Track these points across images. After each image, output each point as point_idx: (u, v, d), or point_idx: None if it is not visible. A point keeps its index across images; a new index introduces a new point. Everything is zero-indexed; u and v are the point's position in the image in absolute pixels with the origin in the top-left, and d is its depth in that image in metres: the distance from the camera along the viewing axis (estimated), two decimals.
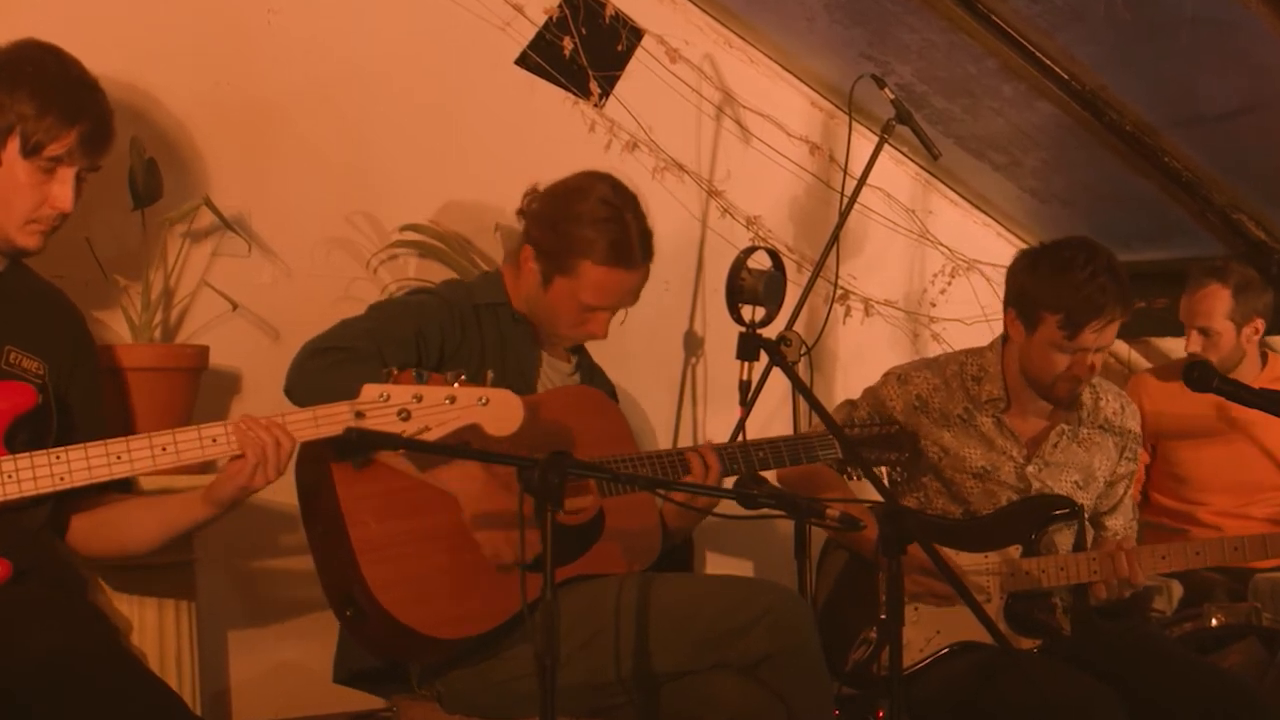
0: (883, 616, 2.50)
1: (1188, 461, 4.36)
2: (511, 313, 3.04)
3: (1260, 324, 4.27)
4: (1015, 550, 3.27)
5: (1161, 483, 4.43)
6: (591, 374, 3.23)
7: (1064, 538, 3.36)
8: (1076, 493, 3.40)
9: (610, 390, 3.25)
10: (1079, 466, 3.41)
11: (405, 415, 2.50)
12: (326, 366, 2.72)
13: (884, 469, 3.37)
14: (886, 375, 3.49)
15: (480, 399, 2.54)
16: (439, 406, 2.52)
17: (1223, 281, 4.23)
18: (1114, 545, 3.29)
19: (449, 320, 2.92)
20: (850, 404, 3.52)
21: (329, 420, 2.50)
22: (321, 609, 2.80)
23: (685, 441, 4.32)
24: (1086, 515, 3.39)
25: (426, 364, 2.83)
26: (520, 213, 3.09)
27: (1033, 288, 3.29)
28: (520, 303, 3.06)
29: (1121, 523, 3.50)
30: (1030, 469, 3.37)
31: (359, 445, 2.52)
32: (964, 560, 3.26)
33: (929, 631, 3.24)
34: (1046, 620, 3.29)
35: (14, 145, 2.48)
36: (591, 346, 3.31)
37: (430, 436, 2.52)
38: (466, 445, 2.55)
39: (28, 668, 2.26)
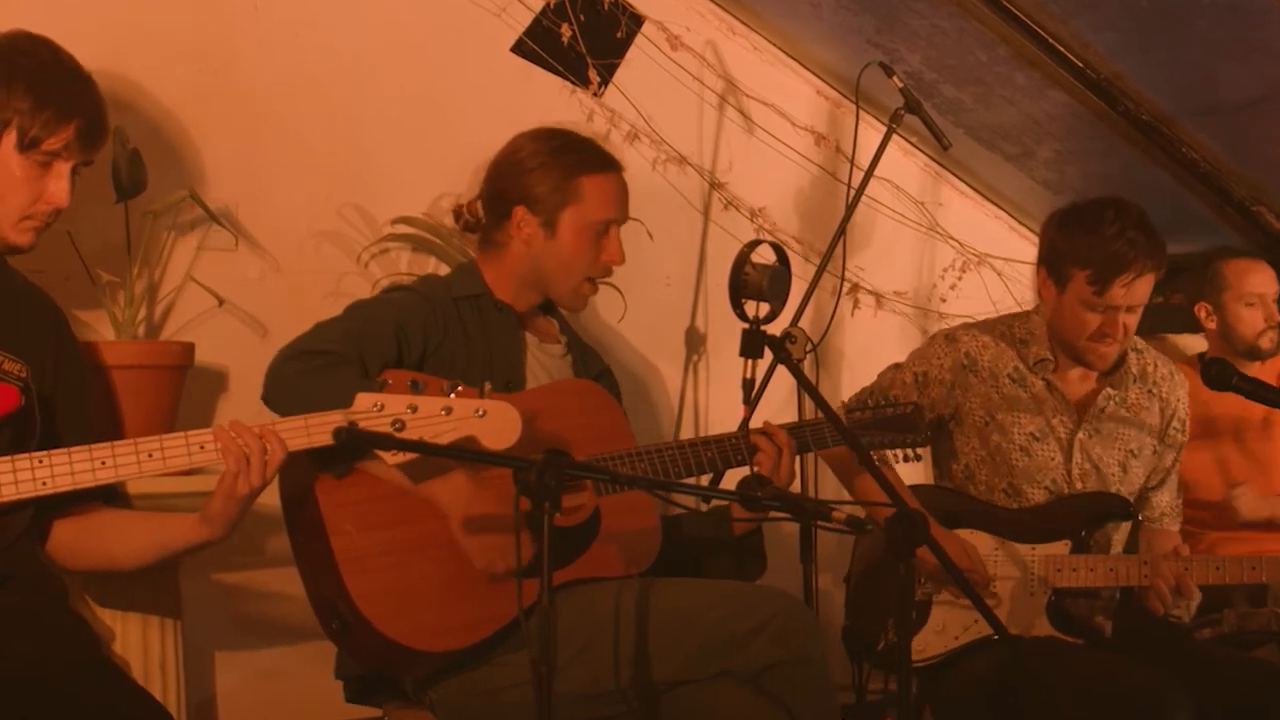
0: (891, 626, 2.50)
1: (1196, 463, 4.35)
2: (494, 302, 3.04)
3: None
4: (1064, 545, 3.28)
5: None
6: (583, 352, 3.22)
7: (1117, 538, 3.38)
8: (1130, 461, 3.40)
9: (604, 368, 3.24)
10: (1130, 434, 3.42)
11: (400, 426, 2.50)
12: (305, 371, 2.71)
13: (891, 454, 3.36)
14: (934, 336, 3.53)
15: (477, 410, 2.54)
16: (435, 417, 2.52)
17: (1258, 256, 4.33)
18: (1168, 551, 3.28)
19: (430, 316, 2.92)
20: (896, 367, 3.52)
21: (321, 429, 2.50)
22: (309, 617, 2.80)
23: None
24: (1135, 490, 3.40)
25: (408, 362, 2.84)
26: (463, 221, 3.17)
27: (1061, 244, 3.34)
28: (508, 288, 3.05)
29: (1167, 499, 3.51)
30: (1080, 435, 3.37)
31: (350, 445, 2.53)
32: (1009, 551, 3.25)
33: (967, 619, 3.25)
34: (1089, 620, 3.29)
35: (9, 140, 2.50)
36: (593, 344, 3.31)
37: None
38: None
39: (7, 677, 2.26)
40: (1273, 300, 4.32)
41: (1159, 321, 4.77)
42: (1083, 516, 3.32)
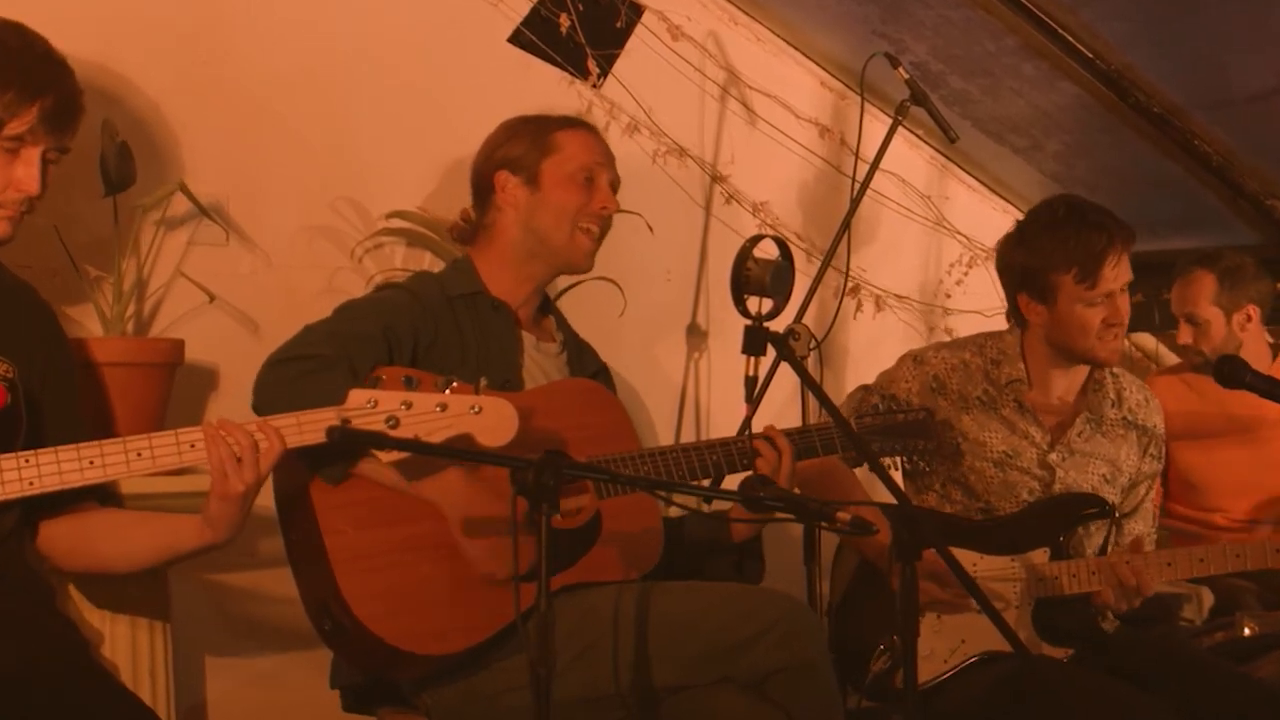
0: (893, 638, 2.49)
1: (1200, 465, 4.36)
2: (489, 301, 3.04)
3: (1253, 311, 4.31)
4: (1042, 554, 3.27)
5: (1177, 491, 4.43)
6: (580, 350, 3.23)
7: (1094, 540, 3.37)
8: (1104, 486, 3.40)
9: (600, 367, 3.25)
10: (1106, 458, 3.42)
11: (394, 423, 2.50)
12: (292, 377, 2.71)
13: (899, 459, 3.36)
14: (902, 357, 3.52)
15: (473, 407, 2.54)
16: (429, 414, 2.52)
17: (1208, 267, 4.30)
18: (1121, 552, 3.30)
19: (421, 315, 2.92)
20: (864, 389, 3.52)
21: (313, 426, 2.50)
22: (302, 620, 2.80)
23: (689, 440, 4.32)
24: (1116, 513, 3.41)
25: (399, 362, 2.84)
26: (458, 230, 3.22)
27: (1033, 260, 3.36)
28: (504, 277, 3.07)
29: (1142, 528, 3.50)
30: (1053, 456, 3.37)
31: (343, 445, 2.53)
32: (989, 565, 3.25)
33: (953, 641, 3.24)
34: (1080, 627, 3.27)
35: None
36: (591, 341, 3.31)
37: None
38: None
39: None
40: (1209, 303, 4.33)
41: (1171, 318, 4.78)
42: (1058, 521, 3.31)
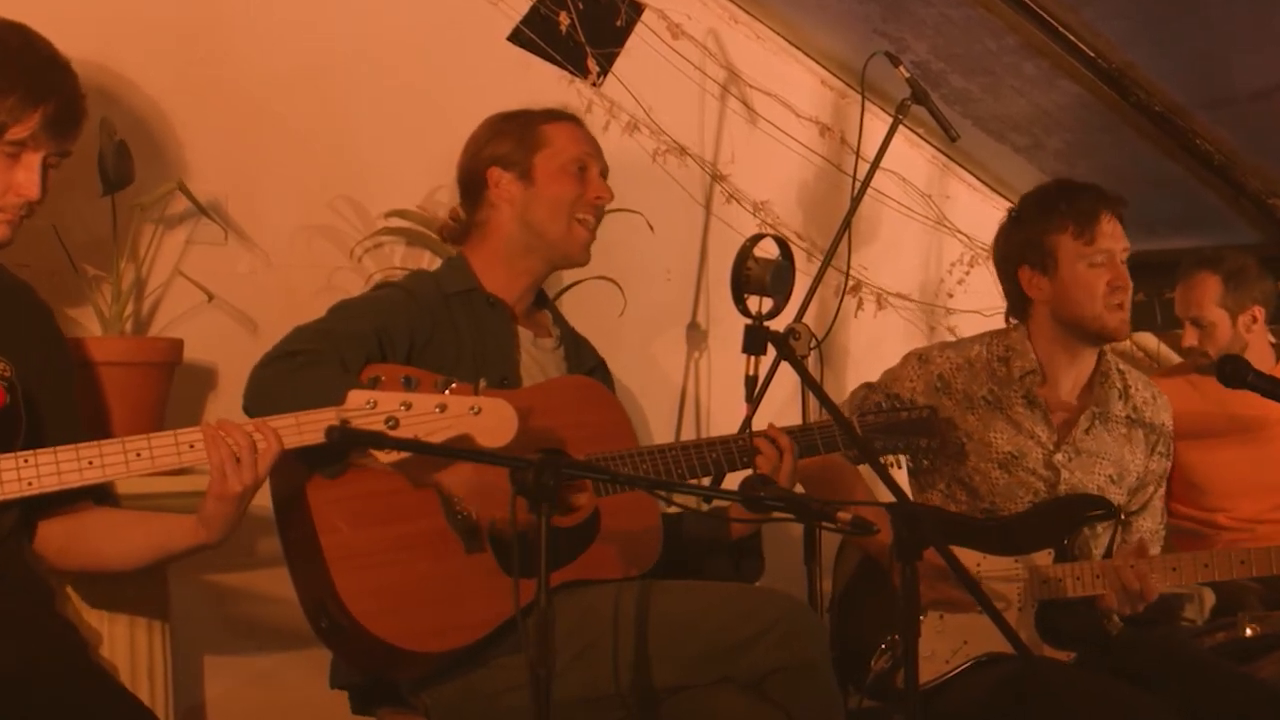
0: (894, 637, 2.49)
1: (1203, 465, 4.36)
2: (485, 298, 3.05)
3: (1259, 312, 4.31)
4: (1047, 555, 3.27)
5: (1180, 490, 4.43)
6: (577, 346, 3.23)
7: (1100, 541, 3.37)
8: (1109, 487, 3.40)
9: (598, 363, 3.25)
10: (1112, 458, 3.42)
11: (393, 424, 2.50)
12: (283, 373, 2.72)
13: (903, 457, 3.35)
14: (907, 356, 3.51)
15: (472, 408, 2.54)
16: (429, 415, 2.52)
17: (1212, 269, 4.30)
18: (1125, 555, 3.29)
19: (417, 314, 2.93)
20: (868, 386, 3.52)
21: (312, 426, 2.50)
22: (301, 620, 2.80)
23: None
24: (1122, 515, 3.41)
25: (393, 361, 2.85)
26: (448, 231, 3.22)
27: (1029, 233, 3.42)
28: (498, 273, 3.07)
29: (1149, 525, 3.51)
30: (1059, 457, 3.37)
31: (342, 444, 2.53)
32: (992, 565, 3.25)
33: (955, 642, 3.24)
34: (1085, 630, 3.27)
35: None
36: (591, 340, 3.31)
37: None
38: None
39: None
40: (1214, 305, 4.36)
41: (1173, 318, 4.79)
42: (1063, 522, 3.31)
